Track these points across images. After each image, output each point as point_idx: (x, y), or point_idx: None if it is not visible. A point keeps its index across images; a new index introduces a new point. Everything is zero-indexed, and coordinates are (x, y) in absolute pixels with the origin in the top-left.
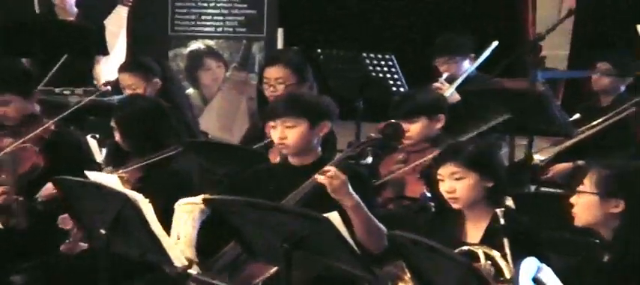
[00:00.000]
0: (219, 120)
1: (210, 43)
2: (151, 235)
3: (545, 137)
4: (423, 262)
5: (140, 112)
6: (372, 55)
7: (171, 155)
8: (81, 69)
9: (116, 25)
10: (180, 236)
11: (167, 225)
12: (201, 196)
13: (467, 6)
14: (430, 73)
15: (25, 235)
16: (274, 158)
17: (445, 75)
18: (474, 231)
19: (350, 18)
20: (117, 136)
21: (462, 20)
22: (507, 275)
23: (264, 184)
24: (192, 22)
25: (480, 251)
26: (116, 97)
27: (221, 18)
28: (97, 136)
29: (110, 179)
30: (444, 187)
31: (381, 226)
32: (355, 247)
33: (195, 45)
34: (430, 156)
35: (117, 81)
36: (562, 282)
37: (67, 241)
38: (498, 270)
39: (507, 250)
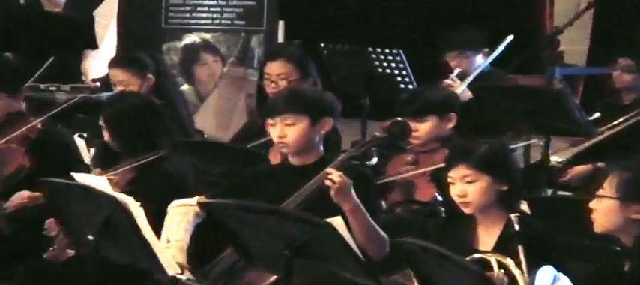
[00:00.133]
0: (216, 118)
1: (207, 36)
2: (142, 241)
3: (562, 137)
4: (432, 270)
5: (130, 109)
6: (378, 50)
7: (163, 156)
8: (68, 64)
9: (106, 17)
10: (170, 240)
11: (159, 230)
12: (197, 198)
13: None
14: (440, 69)
15: (9, 241)
16: (275, 159)
17: (456, 71)
18: (487, 237)
19: (355, 10)
20: (106, 136)
21: (474, 13)
22: None
23: (264, 185)
24: (187, 14)
25: (493, 259)
26: (105, 94)
27: (218, 10)
28: (85, 135)
29: (99, 182)
30: (454, 191)
31: (382, 232)
32: (360, 255)
33: (191, 38)
34: (442, 159)
35: (107, 77)
36: None
37: (52, 248)
38: (512, 279)
39: (522, 258)
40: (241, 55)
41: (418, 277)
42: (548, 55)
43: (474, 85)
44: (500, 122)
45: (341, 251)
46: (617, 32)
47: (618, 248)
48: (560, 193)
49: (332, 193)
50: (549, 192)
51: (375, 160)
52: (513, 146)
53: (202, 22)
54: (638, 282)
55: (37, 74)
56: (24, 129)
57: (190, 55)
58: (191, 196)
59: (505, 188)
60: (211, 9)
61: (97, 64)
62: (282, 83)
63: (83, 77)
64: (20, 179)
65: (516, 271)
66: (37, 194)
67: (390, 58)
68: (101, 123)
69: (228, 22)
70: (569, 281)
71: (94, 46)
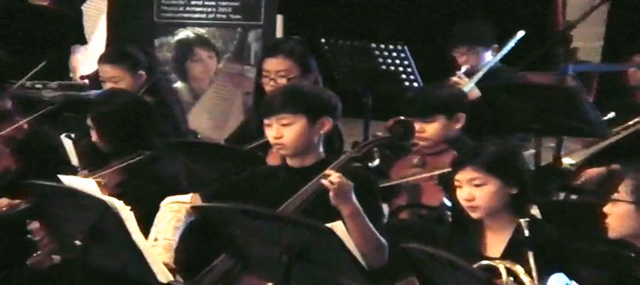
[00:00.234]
0: (211, 117)
1: (201, 31)
2: (133, 247)
3: (575, 138)
4: (437, 277)
5: (120, 108)
6: (382, 46)
7: (153, 156)
8: (56, 60)
9: (96, 11)
10: (158, 238)
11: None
12: (191, 195)
13: None
14: (447, 65)
15: None
16: (274, 161)
17: (464, 68)
18: (496, 243)
19: (357, 4)
20: (94, 136)
21: (483, 7)
22: None
23: (261, 188)
24: (181, 8)
25: (502, 266)
26: (94, 92)
27: (213, 3)
28: (73, 135)
29: (87, 184)
30: (462, 195)
31: (382, 238)
32: (361, 261)
33: (184, 33)
34: (450, 161)
35: (96, 73)
36: None
37: (36, 253)
38: None
39: (532, 265)
40: (238, 50)
41: (423, 284)
42: (560, 52)
43: (483, 83)
44: (509, 122)
45: (341, 257)
46: (633, 27)
47: (634, 255)
48: (572, 196)
49: (331, 194)
50: (561, 196)
51: (377, 162)
52: (523, 147)
53: (197, 16)
54: None
55: (27, 77)
56: (10, 129)
57: (184, 51)
58: None
59: (515, 191)
60: (206, 2)
61: (86, 60)
62: (282, 81)
63: (71, 74)
64: (6, 181)
65: (526, 279)
66: (17, 202)
67: (394, 54)
68: (89, 122)
69: (224, 16)
70: None
71: (83, 41)
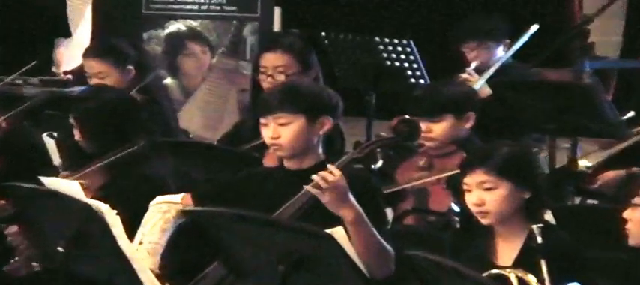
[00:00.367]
0: (204, 116)
1: (193, 23)
2: (119, 254)
3: (592, 139)
4: None
5: (105, 106)
6: (386, 40)
7: (138, 152)
8: (38, 54)
9: (80, 1)
10: (143, 241)
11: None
12: (183, 195)
13: None
14: (456, 61)
15: None
16: (272, 162)
17: (474, 64)
18: (507, 251)
19: None
20: (77, 135)
21: None
22: None
23: (256, 191)
24: None
25: (513, 275)
26: (78, 88)
27: None
28: (55, 134)
29: (70, 186)
30: (471, 199)
31: (388, 246)
32: (364, 270)
33: (175, 26)
34: (458, 163)
35: (81, 68)
36: None
37: (13, 260)
38: None
39: (545, 275)
40: (232, 45)
41: None
42: (576, 47)
43: (494, 80)
44: (522, 122)
45: (342, 266)
46: None
47: None
48: (589, 201)
49: (323, 201)
50: (577, 200)
51: (380, 164)
52: (537, 149)
53: (188, 7)
54: None
55: (16, 75)
56: None
57: (175, 45)
58: None
59: (527, 196)
60: None
61: (70, 54)
62: (280, 77)
63: (54, 69)
64: None
65: None
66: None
67: (400, 49)
68: (72, 121)
69: (218, 7)
70: None
71: (67, 33)
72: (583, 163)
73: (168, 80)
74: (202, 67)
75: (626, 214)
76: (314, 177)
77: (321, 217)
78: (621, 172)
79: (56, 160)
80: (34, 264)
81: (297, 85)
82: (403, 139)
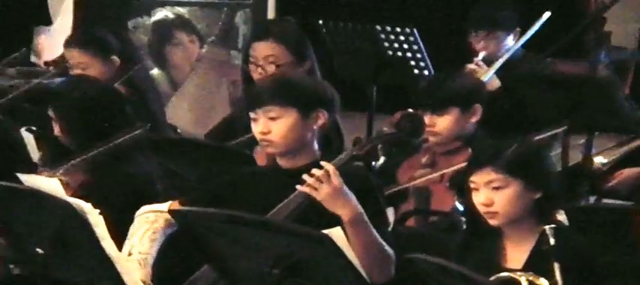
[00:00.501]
0: (193, 110)
1: (181, 11)
2: (102, 256)
3: (608, 135)
4: None
5: (86, 99)
6: (388, 29)
7: (121, 153)
8: (16, 43)
9: None
10: (132, 252)
11: (119, 243)
12: (169, 203)
13: None
14: (463, 52)
15: None
16: (262, 160)
17: (482, 55)
18: (517, 253)
19: None
20: (56, 130)
21: None
22: None
23: (247, 192)
24: None
25: (524, 279)
26: (58, 80)
27: None
28: (34, 128)
29: (50, 184)
30: (479, 199)
31: (388, 249)
32: (363, 273)
33: (162, 13)
34: (464, 160)
35: (62, 58)
36: None
37: None
38: None
39: (558, 278)
40: (223, 33)
41: None
42: (592, 37)
43: (503, 72)
44: (533, 116)
45: (341, 269)
46: None
47: None
48: (604, 201)
49: (318, 198)
50: (592, 200)
51: (381, 161)
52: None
53: None
54: None
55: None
56: None
57: (162, 34)
58: (159, 202)
59: (539, 195)
60: None
61: (50, 43)
62: (271, 68)
63: (34, 59)
64: None
65: None
66: None
67: (402, 38)
68: (51, 114)
69: None
70: None
71: (47, 21)
72: (598, 161)
73: (155, 71)
74: (190, 57)
75: None
76: (304, 176)
77: (319, 219)
78: (639, 170)
79: (35, 155)
80: (11, 266)
81: (288, 77)
82: (406, 135)
